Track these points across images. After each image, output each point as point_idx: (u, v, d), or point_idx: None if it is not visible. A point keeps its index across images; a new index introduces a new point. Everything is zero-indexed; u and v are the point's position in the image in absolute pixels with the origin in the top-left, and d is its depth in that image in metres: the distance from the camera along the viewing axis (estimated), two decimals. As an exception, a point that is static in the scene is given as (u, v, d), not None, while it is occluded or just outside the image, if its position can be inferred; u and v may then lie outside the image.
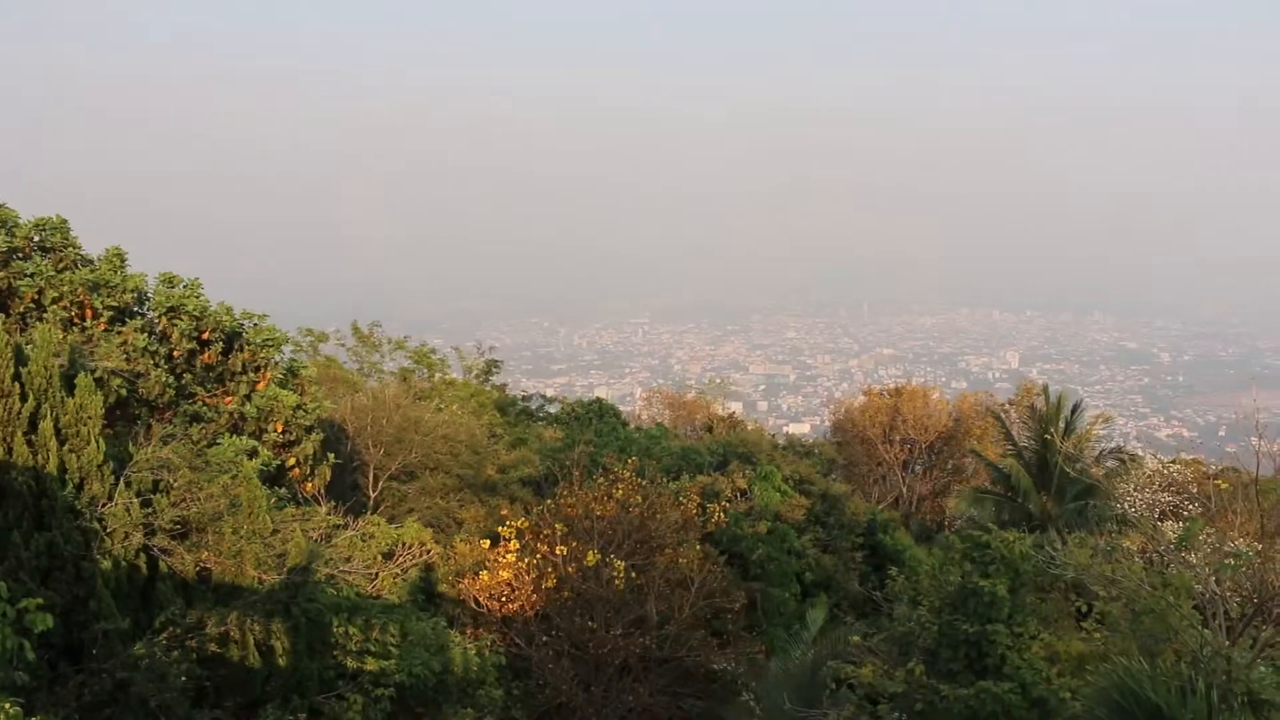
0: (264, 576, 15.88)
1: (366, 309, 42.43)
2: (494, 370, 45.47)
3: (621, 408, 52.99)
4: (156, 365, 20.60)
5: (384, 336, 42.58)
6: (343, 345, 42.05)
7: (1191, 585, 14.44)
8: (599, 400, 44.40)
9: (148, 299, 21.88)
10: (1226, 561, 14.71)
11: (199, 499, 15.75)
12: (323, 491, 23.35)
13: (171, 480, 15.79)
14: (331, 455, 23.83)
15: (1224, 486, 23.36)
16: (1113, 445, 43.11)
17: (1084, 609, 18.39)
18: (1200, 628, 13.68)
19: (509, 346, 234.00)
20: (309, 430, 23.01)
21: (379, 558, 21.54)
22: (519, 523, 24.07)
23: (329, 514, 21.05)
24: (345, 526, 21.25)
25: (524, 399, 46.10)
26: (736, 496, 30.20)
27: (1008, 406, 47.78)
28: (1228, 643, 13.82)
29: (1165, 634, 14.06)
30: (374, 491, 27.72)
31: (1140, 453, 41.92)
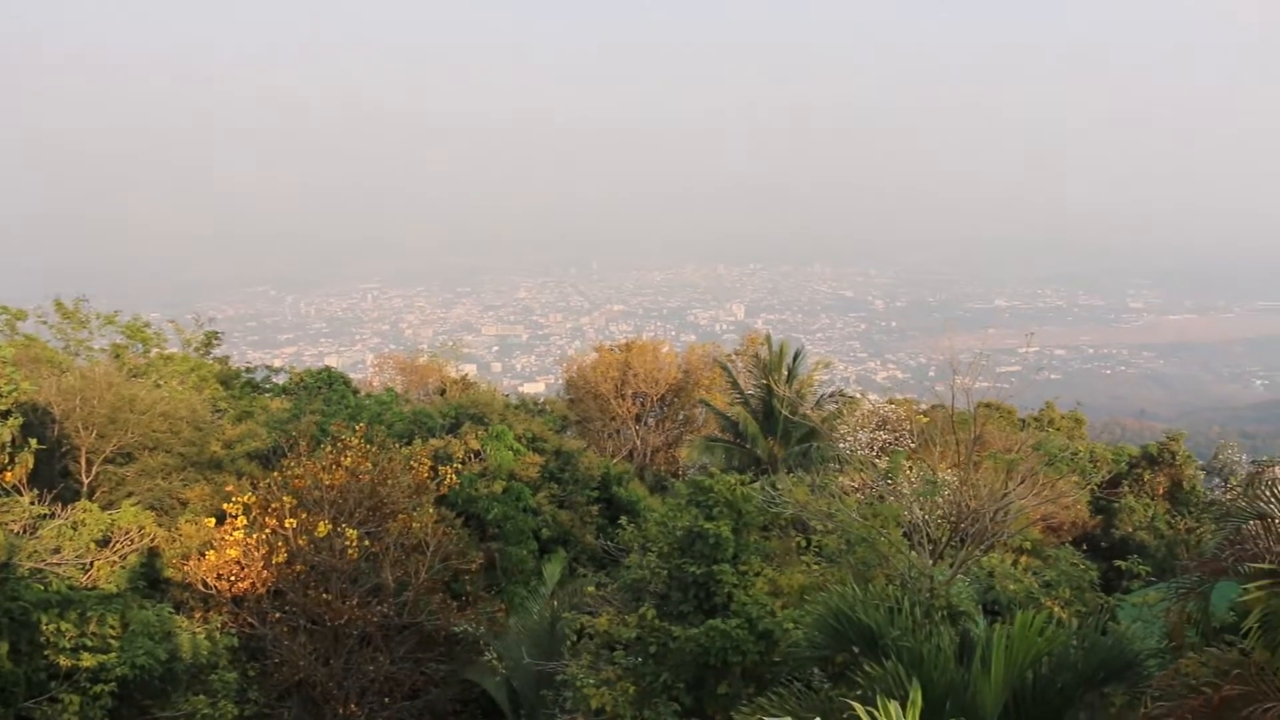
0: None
1: (82, 289, 39.46)
2: (215, 342, 43.37)
3: (353, 375, 51.71)
4: None
5: (92, 311, 39.93)
6: (45, 323, 39.18)
7: (899, 514, 15.43)
8: (328, 369, 43.25)
9: None
10: (924, 489, 15.75)
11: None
12: (25, 481, 21.78)
13: None
14: (34, 441, 22.25)
15: (925, 420, 24.93)
16: (833, 389, 45.11)
17: (804, 543, 19.37)
18: (908, 552, 14.65)
19: (232, 318, 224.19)
20: (5, 415, 21.43)
21: (93, 546, 20.35)
22: (246, 498, 23.18)
23: (32, 504, 19.70)
24: (52, 516, 19.94)
25: (248, 371, 44.34)
26: (470, 458, 30.05)
27: (734, 357, 49.34)
28: (931, 564, 14.88)
29: (877, 560, 15.00)
30: (87, 477, 26.07)
31: (858, 395, 44.16)
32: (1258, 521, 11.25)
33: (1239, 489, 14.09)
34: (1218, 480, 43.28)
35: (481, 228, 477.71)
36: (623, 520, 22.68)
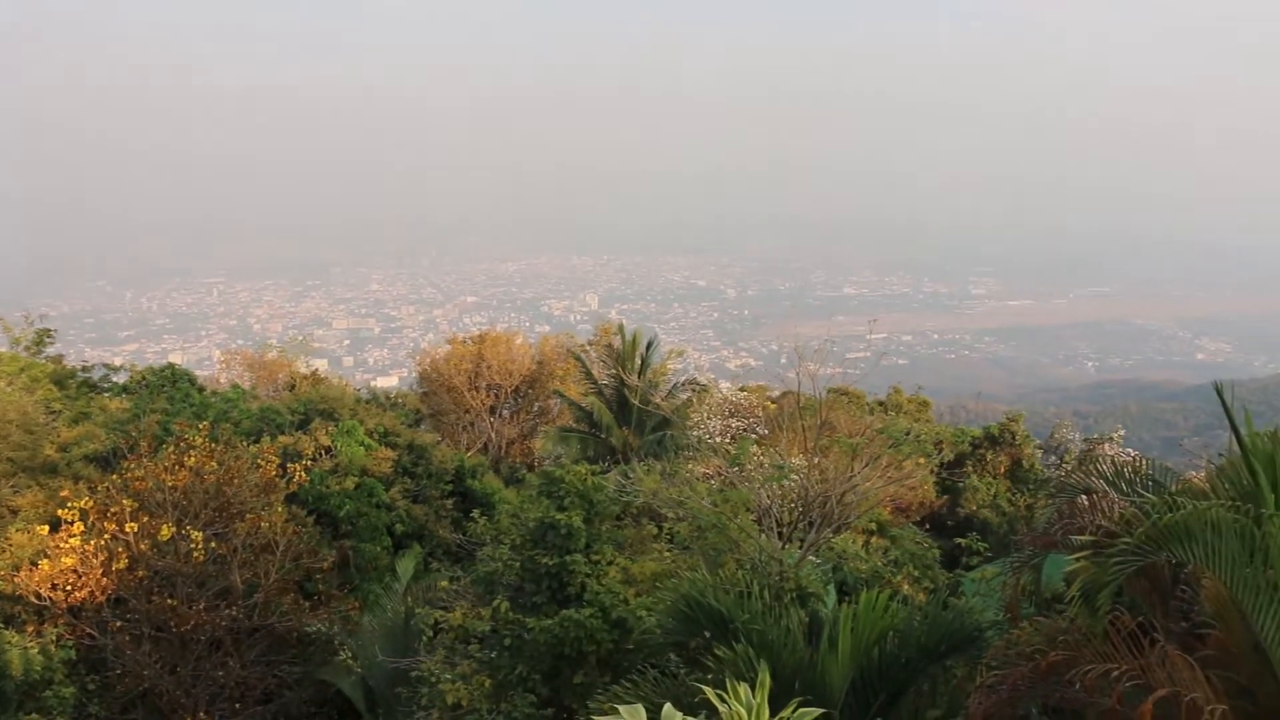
0: None
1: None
2: (47, 340, 41.60)
3: (200, 372, 50.14)
4: None
5: (-96, 311, 37.86)
6: None
7: (749, 499, 15.70)
8: (171, 366, 41.77)
9: None
10: (773, 475, 16.06)
11: None
12: None
13: None
14: None
15: (772, 408, 25.41)
16: (686, 377, 45.57)
17: (657, 531, 19.57)
18: (758, 537, 14.93)
19: (67, 315, 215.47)
20: None
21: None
22: (82, 503, 22.27)
23: None
24: None
25: (85, 370, 42.62)
26: (321, 454, 29.46)
27: (588, 347, 49.34)
28: (781, 547, 15.19)
29: (728, 546, 15.24)
30: (-98, 489, 24.76)
31: (712, 383, 44.67)
32: (1084, 496, 11.79)
33: (1073, 465, 14.69)
34: (1054, 458, 44.93)
35: (331, 216, 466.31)
36: (474, 514, 22.52)
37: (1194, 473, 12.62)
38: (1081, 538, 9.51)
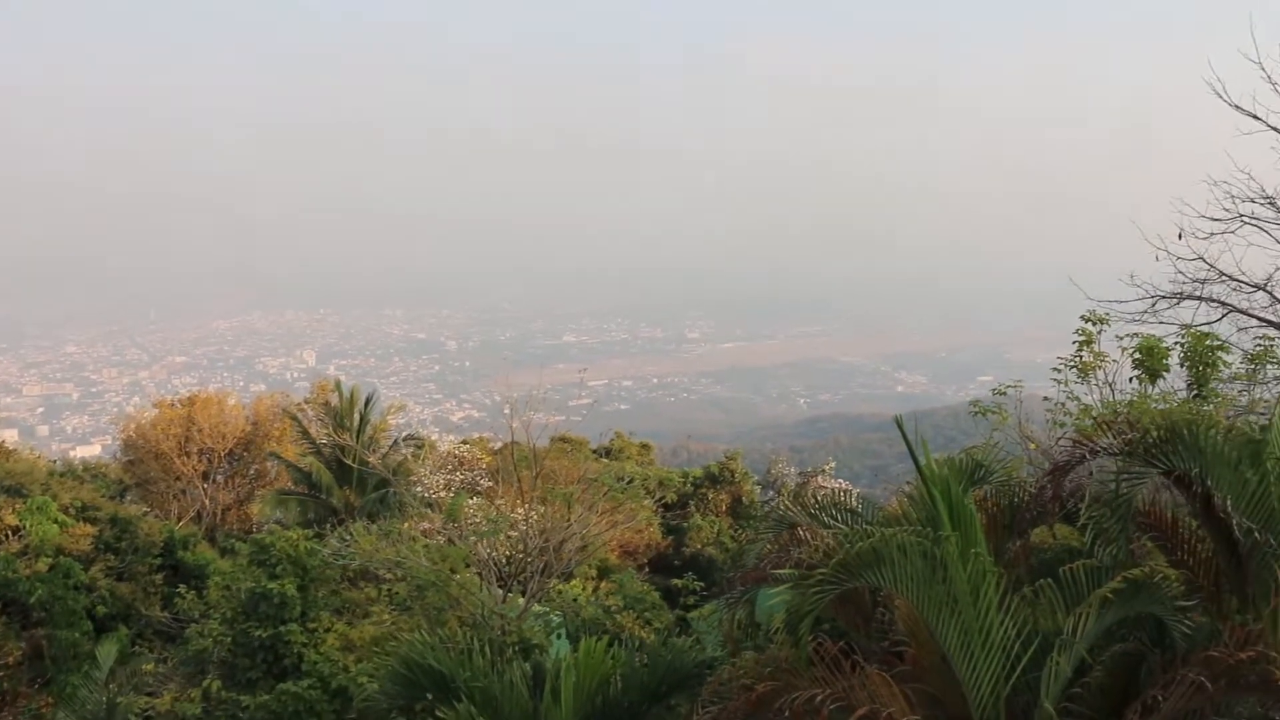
0: None
1: None
2: None
3: None
4: None
5: None
6: None
7: (467, 554, 15.60)
8: None
9: None
10: (486, 529, 16.05)
11: None
12: None
13: None
14: None
15: (489, 461, 25.43)
16: (408, 432, 45.08)
17: (377, 593, 19.14)
18: (479, 591, 14.84)
19: None
20: None
21: None
22: None
23: None
24: None
25: None
26: (7, 536, 27.28)
27: (305, 405, 47.94)
28: (504, 600, 15.16)
29: (448, 604, 15.07)
30: None
31: (436, 436, 44.27)
32: (791, 530, 12.35)
33: (784, 500, 15.36)
34: (772, 492, 46.76)
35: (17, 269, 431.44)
36: (181, 589, 21.40)
37: (895, 499, 13.44)
38: (783, 571, 9.96)
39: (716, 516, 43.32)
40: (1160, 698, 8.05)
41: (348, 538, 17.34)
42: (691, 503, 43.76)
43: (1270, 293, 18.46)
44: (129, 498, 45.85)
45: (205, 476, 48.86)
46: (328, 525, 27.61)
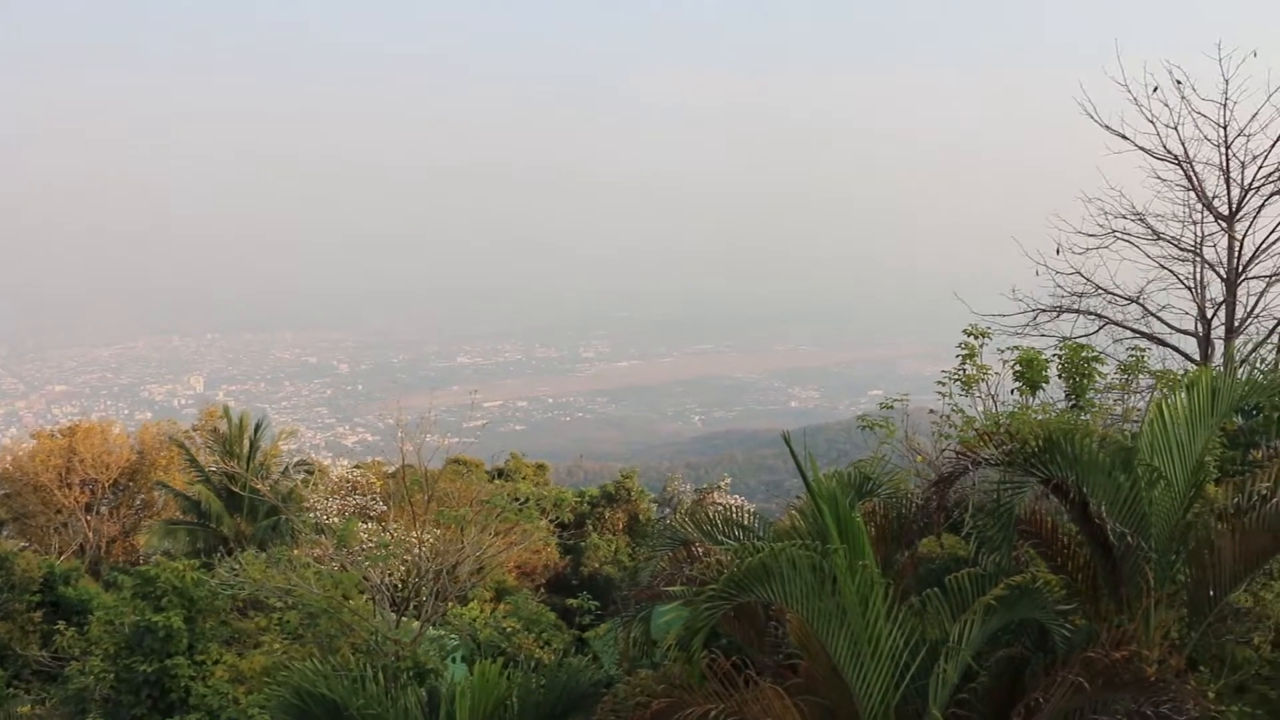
0: None
1: None
2: None
3: None
4: None
5: None
6: None
7: (359, 579, 15.37)
8: None
9: None
10: (377, 553, 15.87)
11: None
12: None
13: None
14: None
15: (382, 485, 25.16)
16: (300, 458, 44.31)
17: (268, 623, 18.76)
18: (371, 618, 14.64)
19: None
20: None
21: None
22: None
23: None
24: None
25: None
26: None
27: (193, 433, 46.86)
28: (397, 624, 14.97)
29: (340, 630, 14.83)
30: None
31: (329, 461, 43.60)
32: (685, 547, 12.42)
33: (678, 517, 15.46)
34: (668, 510, 46.93)
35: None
36: (59, 625, 20.72)
37: (787, 514, 13.59)
38: (676, 588, 10.02)
39: (614, 535, 43.38)
40: (1042, 699, 8.27)
41: (237, 567, 16.98)
42: (589, 522, 43.73)
43: (1143, 305, 19.25)
44: (5, 532, 44.34)
45: (88, 508, 47.44)
46: (217, 554, 27.07)
